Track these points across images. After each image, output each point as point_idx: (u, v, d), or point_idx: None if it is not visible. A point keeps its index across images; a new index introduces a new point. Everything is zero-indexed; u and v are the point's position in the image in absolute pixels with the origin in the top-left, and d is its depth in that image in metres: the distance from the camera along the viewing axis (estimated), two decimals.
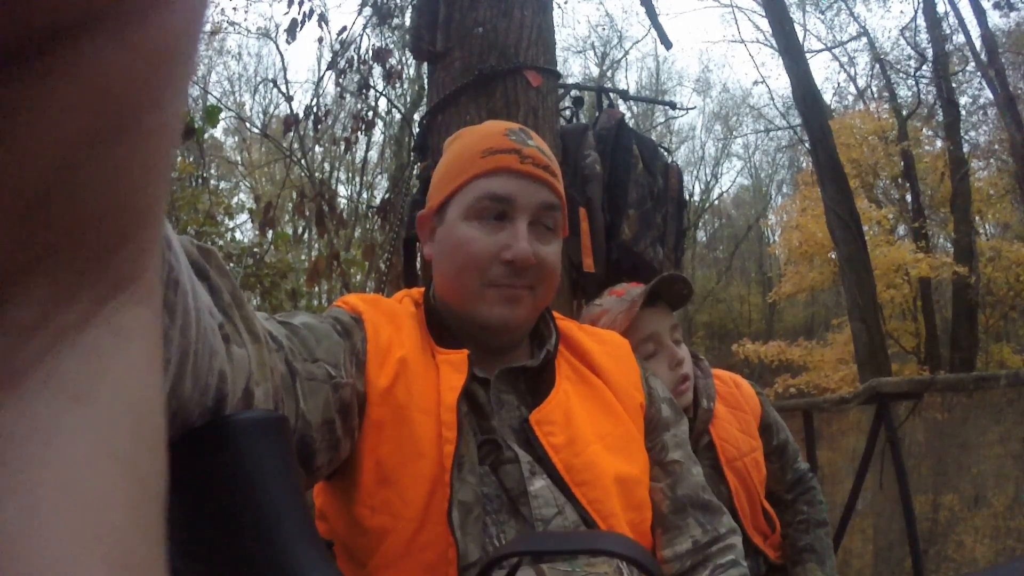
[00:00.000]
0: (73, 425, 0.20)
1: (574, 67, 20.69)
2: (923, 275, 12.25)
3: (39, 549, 0.18)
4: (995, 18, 14.24)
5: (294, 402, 0.72)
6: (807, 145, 11.69)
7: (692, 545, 1.00)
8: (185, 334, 0.46)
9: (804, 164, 17.54)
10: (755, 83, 32.38)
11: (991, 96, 12.77)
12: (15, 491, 0.18)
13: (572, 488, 0.91)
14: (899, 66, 15.76)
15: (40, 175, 0.18)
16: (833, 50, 17.47)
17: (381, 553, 0.86)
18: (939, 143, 14.36)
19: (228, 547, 0.51)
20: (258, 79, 17.69)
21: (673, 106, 3.64)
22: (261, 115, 17.71)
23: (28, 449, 0.19)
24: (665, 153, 2.61)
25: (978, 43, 11.82)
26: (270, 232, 5.00)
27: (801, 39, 11.53)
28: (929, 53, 13.70)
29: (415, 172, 2.57)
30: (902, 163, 14.16)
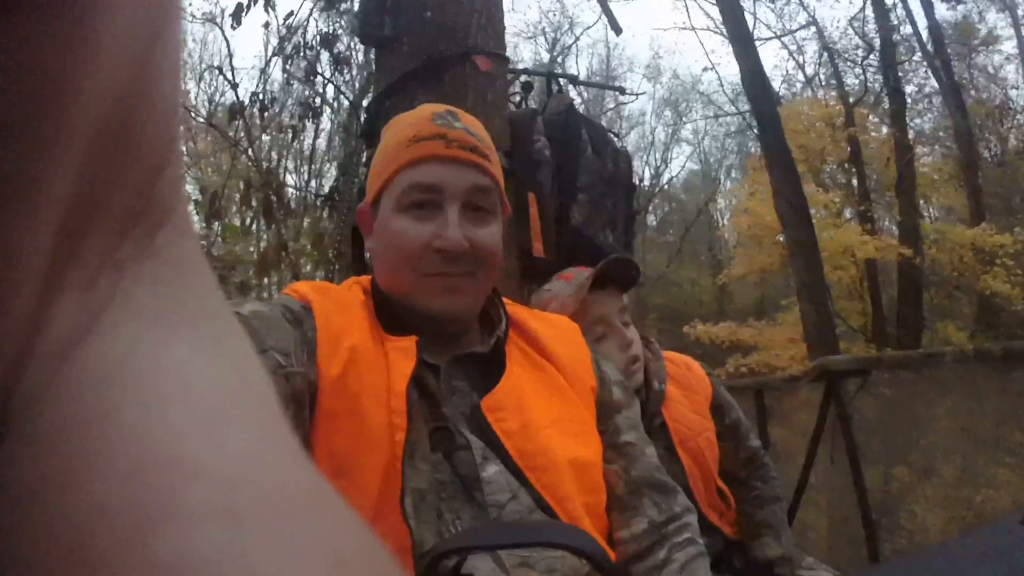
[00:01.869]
0: (165, 341, 0.20)
1: (524, 53, 20.60)
2: (869, 256, 12.50)
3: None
4: (942, 10, 14.54)
5: None
6: (756, 131, 11.83)
7: (648, 525, 1.00)
8: None
9: (753, 149, 17.78)
10: (705, 69, 32.75)
11: (936, 85, 13.12)
12: (137, 393, 0.18)
13: (526, 473, 0.91)
14: (847, 55, 16.03)
15: (98, 102, 0.17)
16: (782, 38, 17.68)
17: None
18: (885, 130, 14.64)
19: None
20: (203, 66, 17.24)
21: (623, 91, 3.66)
22: (207, 103, 17.30)
23: (131, 366, 0.18)
24: (615, 138, 2.61)
25: (925, 34, 12.10)
26: (217, 224, 4.90)
27: (751, 27, 11.66)
28: (876, 43, 13.96)
29: (363, 160, 2.53)
30: (849, 149, 14.41)
